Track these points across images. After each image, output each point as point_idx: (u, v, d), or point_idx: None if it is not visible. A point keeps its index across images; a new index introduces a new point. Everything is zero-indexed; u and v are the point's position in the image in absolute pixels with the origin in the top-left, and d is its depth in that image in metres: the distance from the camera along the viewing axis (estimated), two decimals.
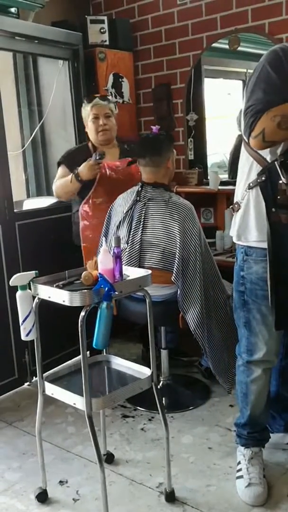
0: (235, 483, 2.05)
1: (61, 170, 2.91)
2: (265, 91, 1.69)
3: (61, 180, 2.86)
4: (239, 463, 2.09)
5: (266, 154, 1.77)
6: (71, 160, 2.87)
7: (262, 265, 1.85)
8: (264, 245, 1.80)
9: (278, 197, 1.72)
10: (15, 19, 2.92)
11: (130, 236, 2.52)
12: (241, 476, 2.03)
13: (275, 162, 1.73)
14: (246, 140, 1.76)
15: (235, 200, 1.95)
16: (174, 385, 2.86)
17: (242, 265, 1.94)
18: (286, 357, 2.19)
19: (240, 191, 1.91)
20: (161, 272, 2.42)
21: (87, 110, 2.84)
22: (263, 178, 1.77)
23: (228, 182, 3.27)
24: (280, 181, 1.71)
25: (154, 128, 2.62)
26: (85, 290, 1.71)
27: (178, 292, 2.45)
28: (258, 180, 1.79)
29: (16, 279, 1.84)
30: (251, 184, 1.83)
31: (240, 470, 2.06)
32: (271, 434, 2.19)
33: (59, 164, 2.94)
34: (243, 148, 1.89)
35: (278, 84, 1.68)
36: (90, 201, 2.81)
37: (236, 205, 1.92)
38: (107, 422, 2.42)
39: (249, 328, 1.97)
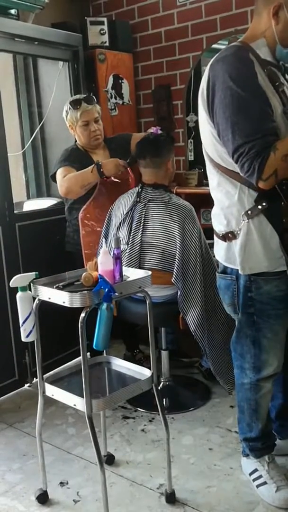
0: (257, 491, 2.00)
1: (66, 170, 2.74)
2: (250, 121, 1.57)
3: (76, 173, 2.70)
4: (254, 471, 2.03)
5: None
6: (73, 160, 2.79)
7: (275, 283, 1.76)
8: (274, 268, 1.74)
9: (283, 220, 1.65)
10: (15, 20, 2.92)
11: (130, 237, 2.52)
12: (264, 483, 1.98)
13: (275, 185, 1.64)
14: (254, 183, 1.63)
15: (225, 229, 1.81)
16: (174, 386, 2.86)
17: (249, 285, 1.79)
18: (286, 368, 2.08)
19: (232, 219, 1.78)
20: (161, 273, 2.43)
21: (75, 117, 2.76)
22: (264, 204, 1.68)
23: None
24: (283, 203, 1.64)
25: (155, 129, 2.62)
26: (85, 291, 1.71)
27: (178, 293, 2.45)
28: (260, 207, 1.68)
29: (17, 280, 1.85)
30: (249, 213, 1.71)
31: (259, 477, 2.01)
32: (279, 440, 2.15)
33: (60, 166, 2.78)
34: (221, 176, 1.77)
35: (256, 104, 1.58)
36: (91, 207, 2.77)
37: (229, 235, 1.79)
38: (107, 423, 2.42)
39: (259, 346, 1.87)
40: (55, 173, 2.81)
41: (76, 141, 2.92)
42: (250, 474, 2.06)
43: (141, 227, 2.50)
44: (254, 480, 2.04)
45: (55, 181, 2.84)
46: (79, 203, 2.79)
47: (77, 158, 2.81)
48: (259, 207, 1.69)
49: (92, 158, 2.85)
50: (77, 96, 2.85)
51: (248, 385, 1.95)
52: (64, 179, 2.71)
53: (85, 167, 2.71)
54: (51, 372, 2.08)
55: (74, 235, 2.89)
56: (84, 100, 2.78)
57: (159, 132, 2.62)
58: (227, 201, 1.78)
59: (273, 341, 1.86)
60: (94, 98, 2.88)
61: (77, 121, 2.78)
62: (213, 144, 1.74)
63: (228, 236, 1.80)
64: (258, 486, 2.01)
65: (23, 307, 1.85)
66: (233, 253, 1.81)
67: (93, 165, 2.66)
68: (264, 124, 1.59)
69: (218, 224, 1.86)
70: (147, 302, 1.91)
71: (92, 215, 2.78)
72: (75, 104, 2.77)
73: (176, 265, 2.42)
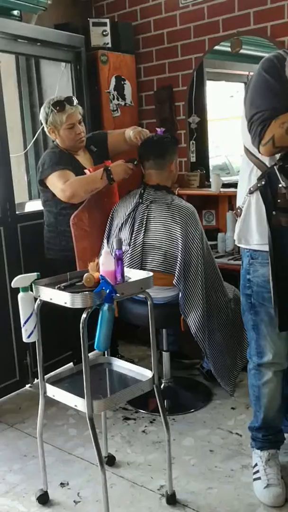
0: (253, 485, 2.04)
1: (65, 174, 2.61)
2: (268, 98, 1.72)
3: (81, 177, 2.61)
4: (255, 465, 2.09)
5: (265, 159, 1.79)
6: (66, 163, 2.67)
7: (269, 267, 1.85)
8: (268, 248, 1.81)
9: (278, 200, 1.74)
10: (18, 21, 2.93)
11: (132, 238, 2.51)
12: (258, 478, 2.03)
13: (274, 167, 1.75)
14: (256, 148, 1.76)
15: (237, 205, 1.96)
16: (175, 388, 2.85)
17: (248, 268, 1.95)
18: None
19: (241, 196, 1.93)
20: (163, 274, 2.42)
21: (59, 120, 2.65)
22: (262, 183, 1.79)
23: (230, 184, 3.27)
24: (280, 185, 1.73)
25: (159, 130, 2.62)
26: (87, 292, 1.71)
27: (180, 295, 2.45)
28: (258, 185, 1.81)
29: (18, 281, 1.85)
30: (251, 189, 1.86)
31: (257, 472, 2.06)
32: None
33: (54, 170, 2.62)
34: (243, 154, 1.90)
35: (279, 89, 1.71)
36: (85, 211, 2.66)
37: (238, 210, 1.95)
38: (108, 424, 2.42)
39: (258, 331, 1.98)
40: (45, 178, 2.67)
41: (54, 142, 2.81)
42: (253, 467, 2.10)
43: (143, 228, 2.50)
44: (253, 474, 2.08)
45: (43, 185, 2.71)
46: (70, 208, 2.67)
47: (67, 161, 2.71)
48: (258, 184, 1.81)
49: (77, 160, 2.77)
50: (58, 98, 2.72)
51: (253, 370, 2.06)
52: (67, 184, 2.58)
53: (74, 170, 2.64)
54: (52, 373, 2.09)
55: (61, 240, 2.76)
56: (67, 102, 2.68)
57: (163, 134, 2.62)
58: (241, 178, 1.95)
59: (270, 326, 1.93)
60: (75, 98, 2.76)
61: (61, 124, 2.67)
62: (242, 126, 1.85)
63: (237, 212, 1.96)
64: (254, 480, 2.06)
65: (25, 307, 1.85)
66: (237, 228, 1.95)
67: (102, 170, 2.58)
68: (278, 102, 1.72)
69: (237, 202, 2.00)
70: (149, 303, 1.90)
71: (83, 219, 2.68)
72: (59, 107, 2.66)
73: (177, 267, 2.42)
